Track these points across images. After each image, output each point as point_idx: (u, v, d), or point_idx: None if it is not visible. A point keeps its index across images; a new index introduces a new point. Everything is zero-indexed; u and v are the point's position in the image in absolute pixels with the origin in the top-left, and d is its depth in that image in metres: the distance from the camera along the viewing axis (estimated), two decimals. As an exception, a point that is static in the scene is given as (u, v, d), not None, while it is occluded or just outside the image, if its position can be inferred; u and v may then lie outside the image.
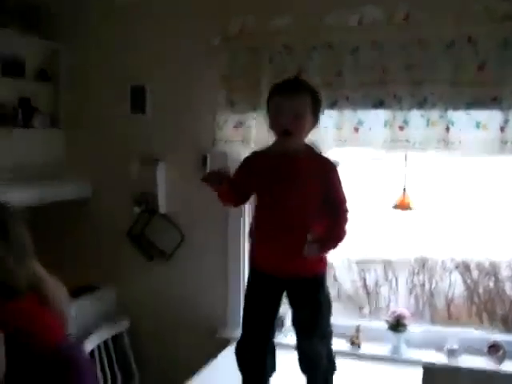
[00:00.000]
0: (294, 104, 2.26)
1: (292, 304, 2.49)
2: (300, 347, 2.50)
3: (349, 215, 2.36)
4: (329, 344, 2.53)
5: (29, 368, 1.80)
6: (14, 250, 1.88)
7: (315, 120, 2.36)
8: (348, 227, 2.37)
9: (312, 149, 2.43)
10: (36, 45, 3.30)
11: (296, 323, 2.50)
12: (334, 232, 2.35)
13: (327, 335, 2.51)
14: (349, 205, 2.37)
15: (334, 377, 2.53)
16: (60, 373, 1.86)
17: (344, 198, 2.38)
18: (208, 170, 2.40)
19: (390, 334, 2.95)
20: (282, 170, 2.33)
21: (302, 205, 2.32)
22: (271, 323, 2.51)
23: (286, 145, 2.34)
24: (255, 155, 2.48)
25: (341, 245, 2.37)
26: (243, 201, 2.54)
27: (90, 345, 2.83)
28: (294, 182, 2.31)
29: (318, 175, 2.33)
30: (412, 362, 2.85)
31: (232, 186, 2.36)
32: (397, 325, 2.92)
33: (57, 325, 1.99)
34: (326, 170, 2.36)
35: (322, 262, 2.44)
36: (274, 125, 2.34)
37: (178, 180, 3.24)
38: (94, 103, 3.40)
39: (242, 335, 2.55)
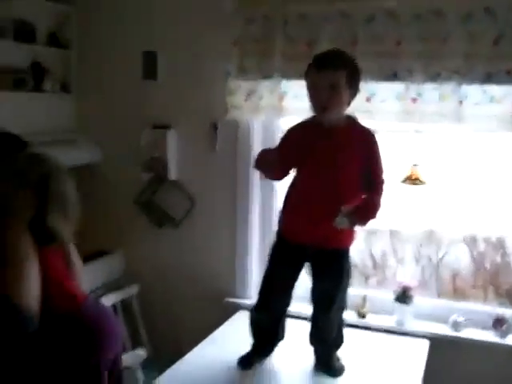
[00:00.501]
0: (327, 79, 2.23)
1: (314, 275, 2.50)
2: (315, 319, 2.53)
3: (384, 186, 2.37)
4: (341, 318, 2.56)
5: (56, 322, 1.83)
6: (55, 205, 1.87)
7: (354, 91, 2.33)
8: (382, 200, 2.37)
9: (354, 120, 2.42)
10: (47, 9, 3.26)
11: (315, 295, 2.51)
12: (367, 206, 2.35)
13: (342, 309, 2.54)
14: (385, 176, 2.37)
15: (340, 349, 2.57)
16: (89, 327, 1.90)
17: (382, 169, 2.37)
18: (255, 157, 2.44)
19: (396, 305, 2.96)
20: (323, 141, 2.32)
21: (341, 176, 2.31)
22: (290, 293, 2.53)
23: (326, 120, 2.33)
24: (297, 127, 2.47)
25: (373, 220, 2.37)
26: (286, 174, 2.50)
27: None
28: (333, 154, 2.30)
29: (359, 147, 2.33)
30: (418, 334, 2.87)
31: (278, 161, 2.37)
32: (403, 296, 2.93)
33: (78, 283, 2.04)
34: (368, 142, 2.35)
35: (351, 236, 2.45)
36: (311, 101, 2.32)
37: (188, 147, 3.24)
38: (105, 68, 3.38)
39: (260, 302, 2.56)
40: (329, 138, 2.32)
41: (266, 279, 2.54)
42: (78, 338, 1.86)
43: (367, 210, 2.34)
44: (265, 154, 2.43)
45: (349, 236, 2.45)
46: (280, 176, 2.48)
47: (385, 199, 2.39)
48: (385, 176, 2.38)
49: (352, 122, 2.40)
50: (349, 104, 2.36)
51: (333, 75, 2.22)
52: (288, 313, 2.61)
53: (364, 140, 2.35)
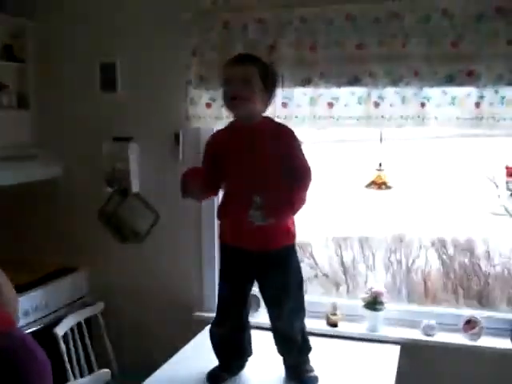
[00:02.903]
0: (239, 71, 2.29)
1: (261, 279, 2.47)
2: (272, 325, 2.50)
3: (310, 183, 2.31)
4: (302, 322, 2.51)
5: None
6: None
7: (269, 93, 2.36)
8: (307, 195, 2.32)
9: (270, 119, 2.44)
10: (3, 22, 3.18)
11: (266, 300, 2.50)
12: (283, 200, 2.29)
13: (299, 312, 2.49)
14: (311, 172, 2.32)
15: (310, 356, 2.52)
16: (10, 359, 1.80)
17: (304, 164, 2.33)
18: (180, 182, 2.39)
19: (367, 311, 2.93)
20: (241, 141, 2.34)
21: (264, 174, 2.29)
22: (243, 305, 2.50)
23: (236, 113, 2.35)
24: (214, 137, 2.53)
25: (296, 212, 2.34)
26: (217, 188, 2.52)
27: (62, 328, 2.77)
28: (253, 152, 2.31)
29: (277, 142, 2.31)
30: (389, 340, 2.84)
31: (205, 179, 2.37)
32: (374, 303, 2.90)
33: (4, 314, 1.94)
34: (284, 136, 2.34)
35: (289, 234, 2.42)
36: (224, 96, 2.35)
37: (150, 158, 3.18)
38: (64, 81, 3.31)
39: (216, 315, 2.56)
40: (246, 139, 2.33)
41: (219, 293, 2.54)
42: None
43: (282, 204, 2.29)
44: (186, 183, 2.38)
45: (287, 234, 2.41)
46: (211, 194, 2.55)
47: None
48: (309, 171, 2.32)
49: (269, 120, 2.42)
50: (266, 106, 2.38)
51: (245, 69, 2.29)
52: (255, 324, 2.56)
53: (282, 136, 2.34)
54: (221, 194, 2.56)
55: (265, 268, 2.41)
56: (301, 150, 2.35)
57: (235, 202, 2.36)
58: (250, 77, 2.27)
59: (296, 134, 2.37)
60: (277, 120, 2.52)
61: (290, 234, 2.43)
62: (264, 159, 2.30)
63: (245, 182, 2.32)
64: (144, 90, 3.16)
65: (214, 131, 2.63)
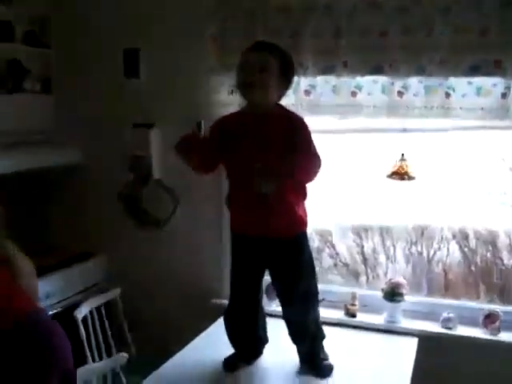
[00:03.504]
0: (256, 57, 2.26)
1: (273, 268, 2.46)
2: (285, 314, 2.50)
3: (317, 167, 2.26)
4: (315, 310, 2.50)
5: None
6: None
7: (285, 83, 2.34)
8: (313, 175, 2.28)
9: (283, 107, 2.40)
10: (25, 7, 3.20)
11: (278, 289, 2.50)
12: (290, 161, 2.22)
13: (312, 300, 2.48)
14: (319, 159, 2.26)
15: (324, 344, 2.52)
16: (32, 346, 1.84)
17: (314, 150, 2.28)
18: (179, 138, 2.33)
19: (386, 303, 2.91)
20: (251, 127, 2.32)
21: (274, 162, 2.25)
22: (256, 287, 2.50)
23: (250, 99, 2.32)
24: (224, 117, 2.48)
25: (297, 178, 2.29)
26: (214, 166, 2.48)
27: (82, 312, 2.80)
28: (263, 139, 2.28)
29: (288, 131, 2.28)
30: (407, 332, 2.82)
31: (204, 151, 2.33)
32: (392, 294, 2.88)
33: (25, 296, 1.97)
34: (296, 126, 2.30)
35: (301, 222, 2.40)
36: (238, 80, 2.32)
37: (172, 145, 3.16)
38: (86, 67, 3.33)
39: (229, 302, 2.55)
40: (258, 125, 2.30)
41: (231, 281, 2.53)
42: (23, 353, 1.80)
43: (287, 167, 2.22)
44: (189, 137, 2.32)
45: (294, 222, 2.38)
46: (203, 165, 2.42)
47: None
48: (317, 156, 2.26)
49: (282, 108, 2.39)
50: (280, 96, 2.35)
51: (262, 56, 2.25)
52: (272, 312, 2.56)
53: (291, 124, 2.30)
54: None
55: (277, 256, 2.40)
56: (311, 138, 2.31)
57: (242, 188, 2.35)
58: (267, 64, 2.25)
59: (306, 122, 2.33)
60: (290, 108, 2.47)
61: (302, 222, 2.41)
62: (275, 148, 2.26)
63: (250, 168, 2.27)
64: (166, 76, 3.16)
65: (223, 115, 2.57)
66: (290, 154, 2.22)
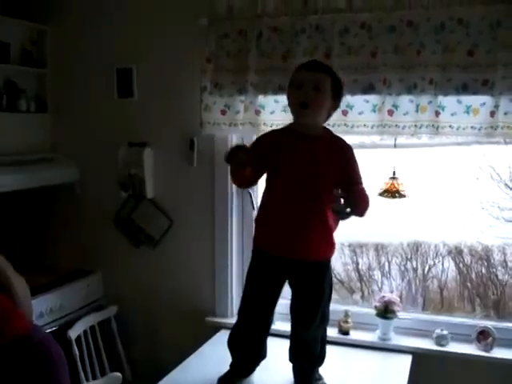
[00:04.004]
0: (313, 77, 2.25)
1: (294, 289, 2.45)
2: (296, 335, 2.48)
3: (366, 192, 2.32)
4: (324, 333, 2.51)
5: None
6: None
7: (335, 103, 2.35)
8: (368, 203, 2.33)
9: (330, 131, 2.41)
10: (21, 27, 3.24)
11: (295, 309, 2.46)
12: (360, 194, 2.30)
13: (324, 323, 2.49)
14: (365, 185, 2.33)
15: (321, 367, 2.52)
16: (30, 360, 1.84)
17: (361, 177, 2.34)
18: (229, 148, 2.31)
19: (379, 320, 2.91)
20: (298, 147, 2.30)
21: (316, 184, 2.27)
22: (271, 309, 2.48)
23: (303, 120, 2.31)
24: (270, 133, 2.48)
25: (366, 211, 2.33)
26: (255, 180, 2.47)
27: (76, 331, 2.80)
28: (309, 161, 2.28)
29: (335, 156, 2.30)
30: (400, 349, 2.82)
31: (251, 162, 2.26)
32: (385, 311, 2.88)
33: (21, 315, 1.97)
34: (344, 151, 2.33)
35: (330, 246, 2.40)
36: (291, 99, 2.31)
37: (165, 164, 3.20)
38: (81, 86, 3.34)
39: (240, 319, 2.51)
40: (306, 144, 2.29)
41: (246, 296, 2.49)
42: (28, 366, 1.81)
43: (360, 196, 2.30)
44: (237, 149, 2.27)
45: (329, 247, 2.40)
46: (249, 178, 2.37)
47: (368, 212, 2.35)
48: (365, 185, 2.34)
49: (329, 132, 2.40)
50: (329, 116, 2.37)
51: (319, 77, 2.25)
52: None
53: (340, 149, 2.33)
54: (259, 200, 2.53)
55: (303, 277, 2.39)
56: (358, 166, 2.35)
57: (284, 209, 2.31)
58: (323, 85, 2.25)
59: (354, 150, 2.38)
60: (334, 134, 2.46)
61: (331, 247, 2.41)
62: (320, 171, 2.26)
63: (299, 190, 2.27)
64: (159, 96, 3.18)
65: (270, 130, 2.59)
66: (346, 183, 2.28)
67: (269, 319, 2.51)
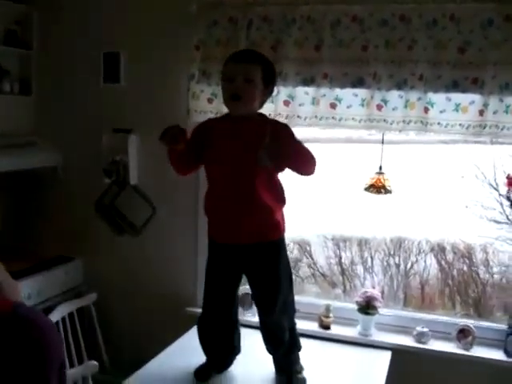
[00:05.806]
0: (243, 69, 2.24)
1: (248, 275, 2.45)
2: (262, 323, 2.48)
3: (313, 155, 2.25)
4: (291, 319, 2.49)
5: None
6: None
7: (268, 91, 2.33)
8: (311, 162, 2.26)
9: (265, 116, 2.39)
10: (6, 7, 3.16)
11: (255, 297, 2.47)
12: (291, 147, 2.23)
13: (288, 308, 2.46)
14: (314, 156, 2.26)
15: (300, 356, 2.51)
16: (20, 332, 1.80)
17: (303, 146, 2.26)
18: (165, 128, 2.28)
19: (360, 315, 2.90)
20: (232, 131, 2.29)
21: (249, 166, 2.24)
22: (230, 298, 2.47)
23: (236, 112, 2.30)
24: (205, 121, 2.47)
25: (306, 169, 2.27)
26: (193, 167, 2.46)
27: (54, 317, 2.76)
28: (245, 148, 2.25)
29: (271, 133, 2.22)
30: (380, 345, 2.82)
31: (186, 148, 2.28)
32: (367, 307, 2.88)
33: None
34: (277, 129, 2.28)
35: (275, 226, 2.37)
36: (224, 92, 2.30)
37: (150, 151, 3.16)
38: (66, 70, 3.29)
39: (203, 310, 2.52)
40: (240, 132, 2.27)
41: (206, 285, 2.50)
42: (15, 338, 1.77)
43: (288, 151, 2.21)
44: (171, 127, 2.26)
45: (273, 227, 2.36)
46: (186, 161, 2.38)
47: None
48: (311, 153, 2.26)
49: (264, 117, 2.38)
50: (262, 104, 2.35)
51: (249, 68, 2.24)
52: (247, 322, 2.54)
53: (273, 128, 2.26)
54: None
55: (254, 262, 2.38)
56: (296, 137, 2.28)
57: (222, 196, 2.32)
58: (253, 76, 2.24)
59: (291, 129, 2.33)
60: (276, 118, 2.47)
61: (280, 228, 2.38)
62: (253, 148, 2.20)
63: (233, 175, 2.26)
64: (146, 82, 3.14)
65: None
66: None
67: (230, 309, 2.50)
